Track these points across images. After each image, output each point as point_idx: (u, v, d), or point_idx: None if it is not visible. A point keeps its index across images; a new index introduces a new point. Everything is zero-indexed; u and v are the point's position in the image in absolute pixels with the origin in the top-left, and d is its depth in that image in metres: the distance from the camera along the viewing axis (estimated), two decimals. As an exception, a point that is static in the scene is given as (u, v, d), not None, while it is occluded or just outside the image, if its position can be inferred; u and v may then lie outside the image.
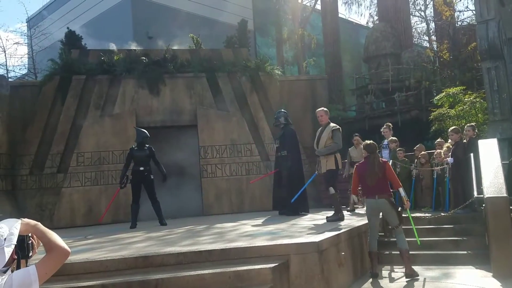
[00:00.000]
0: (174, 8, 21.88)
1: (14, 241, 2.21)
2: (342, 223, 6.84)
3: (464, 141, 8.18)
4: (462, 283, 5.46)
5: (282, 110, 9.45)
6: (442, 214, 7.57)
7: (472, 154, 7.48)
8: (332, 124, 7.45)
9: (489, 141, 7.68)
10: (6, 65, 20.83)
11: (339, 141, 7.33)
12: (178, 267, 4.47)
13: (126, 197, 10.80)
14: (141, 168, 8.55)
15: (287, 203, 8.49)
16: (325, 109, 7.70)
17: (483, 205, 6.38)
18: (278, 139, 9.21)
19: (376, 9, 27.24)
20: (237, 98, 12.51)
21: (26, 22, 24.56)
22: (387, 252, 6.87)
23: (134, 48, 13.25)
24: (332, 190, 7.29)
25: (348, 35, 29.74)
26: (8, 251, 2.18)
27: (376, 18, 28.12)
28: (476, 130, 8.56)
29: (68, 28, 13.74)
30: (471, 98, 12.60)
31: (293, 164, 8.74)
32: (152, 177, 8.68)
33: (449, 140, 8.60)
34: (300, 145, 11.51)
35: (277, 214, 8.96)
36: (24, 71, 22.52)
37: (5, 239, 2.20)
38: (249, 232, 6.32)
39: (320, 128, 7.57)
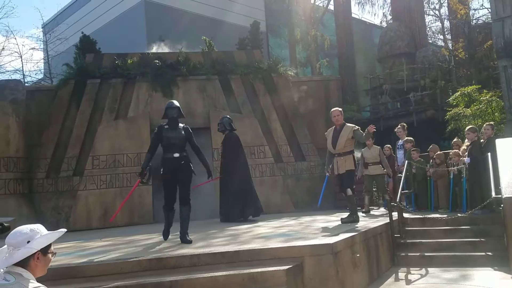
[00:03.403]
0: (187, 11, 22.01)
1: (38, 247, 2.19)
2: (357, 224, 6.77)
3: (482, 140, 8.03)
4: (480, 285, 5.34)
5: (227, 116, 9.52)
6: (459, 215, 7.42)
7: (489, 154, 7.34)
8: (350, 124, 7.34)
9: (507, 141, 7.53)
10: (22, 70, 21.21)
11: (362, 136, 7.26)
12: (192, 269, 4.48)
13: (141, 198, 10.89)
14: (176, 155, 5.96)
15: (231, 210, 8.86)
16: (340, 109, 7.60)
17: (501, 205, 6.25)
18: (222, 145, 9.38)
19: (390, 9, 27.07)
20: (250, 100, 12.50)
21: (42, 28, 24.96)
22: (404, 254, 6.78)
23: (147, 51, 13.34)
24: (349, 191, 7.19)
25: (361, 35, 29.55)
26: (25, 252, 2.15)
27: (390, 17, 27.92)
28: (494, 129, 8.39)
29: (82, 32, 13.91)
30: (487, 97, 12.41)
31: (232, 170, 8.94)
32: (191, 167, 6.14)
33: (466, 140, 8.46)
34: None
35: (289, 216, 8.95)
36: (40, 76, 22.90)
37: (28, 242, 2.17)
38: (263, 234, 6.29)
39: (333, 128, 7.44)
